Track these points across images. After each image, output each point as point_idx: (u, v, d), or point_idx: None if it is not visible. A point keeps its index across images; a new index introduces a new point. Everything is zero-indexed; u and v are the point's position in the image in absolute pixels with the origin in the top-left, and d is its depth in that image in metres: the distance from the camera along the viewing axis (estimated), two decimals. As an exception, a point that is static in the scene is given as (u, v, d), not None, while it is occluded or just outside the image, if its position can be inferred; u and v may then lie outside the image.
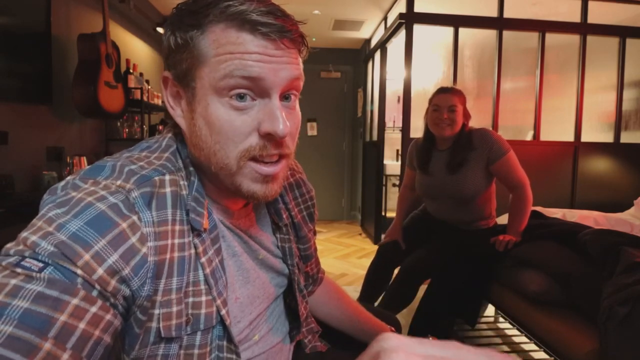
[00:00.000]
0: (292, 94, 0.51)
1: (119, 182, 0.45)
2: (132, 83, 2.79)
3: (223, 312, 0.51)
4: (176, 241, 0.48)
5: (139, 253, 0.43)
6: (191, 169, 0.53)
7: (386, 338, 0.22)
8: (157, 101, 3.23)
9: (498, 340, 1.91)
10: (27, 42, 1.95)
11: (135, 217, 0.44)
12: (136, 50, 3.30)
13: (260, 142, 0.49)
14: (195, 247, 0.50)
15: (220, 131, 0.48)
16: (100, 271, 0.40)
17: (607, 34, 3.02)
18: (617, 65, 3.06)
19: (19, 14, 1.91)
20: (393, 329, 0.87)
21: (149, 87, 3.11)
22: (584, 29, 2.97)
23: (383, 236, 1.95)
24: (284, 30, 0.46)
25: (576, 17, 3.00)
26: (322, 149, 4.95)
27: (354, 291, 2.35)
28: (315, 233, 0.79)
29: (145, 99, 2.87)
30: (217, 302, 0.51)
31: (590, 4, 2.99)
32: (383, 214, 3.81)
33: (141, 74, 3.04)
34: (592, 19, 2.99)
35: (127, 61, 2.81)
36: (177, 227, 0.48)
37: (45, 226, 0.40)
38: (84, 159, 2.14)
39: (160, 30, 3.51)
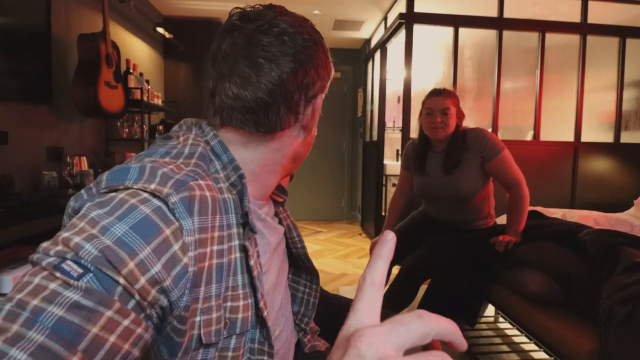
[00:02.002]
0: None
1: (153, 186, 0.43)
2: (132, 83, 2.79)
3: (265, 313, 0.52)
4: (215, 248, 0.47)
5: (180, 263, 0.42)
6: (241, 172, 0.52)
7: (365, 342, 0.22)
8: (157, 101, 3.23)
9: (498, 340, 1.91)
10: (27, 42, 1.95)
11: (177, 224, 0.43)
12: (136, 50, 3.30)
13: None
14: (246, 251, 0.51)
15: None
16: (142, 281, 0.39)
17: (607, 34, 3.02)
18: (617, 65, 3.06)
19: (19, 14, 1.91)
20: None
21: (149, 87, 3.10)
22: (584, 29, 2.97)
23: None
24: None
25: (576, 17, 3.00)
26: (322, 149, 4.95)
27: (354, 291, 2.35)
28: None
29: (145, 99, 2.87)
30: (260, 304, 0.52)
31: (590, 4, 2.99)
32: (383, 214, 3.81)
33: (141, 74, 3.04)
34: (592, 19, 2.99)
35: (127, 61, 2.81)
36: (217, 234, 0.47)
37: (89, 228, 0.39)
38: (84, 159, 2.14)
39: (160, 30, 3.51)
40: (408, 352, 0.22)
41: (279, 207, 0.70)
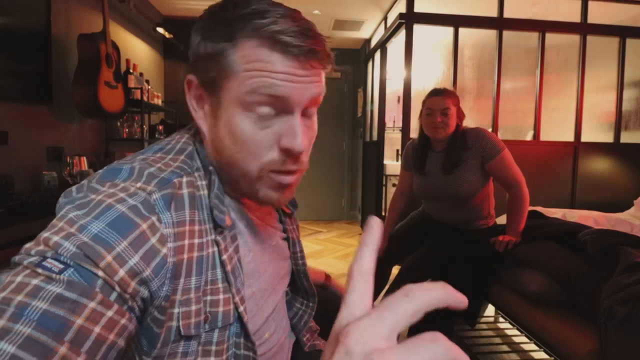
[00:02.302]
0: (312, 108, 0.53)
1: (139, 185, 0.45)
2: (132, 83, 2.79)
3: (241, 309, 0.52)
4: (195, 241, 0.48)
5: (159, 254, 0.44)
6: (211, 168, 0.54)
7: (352, 338, 0.21)
8: (157, 101, 3.23)
9: (498, 340, 1.91)
10: (27, 42, 1.95)
11: (154, 218, 0.44)
12: (136, 50, 3.30)
13: (280, 158, 0.51)
14: (217, 245, 0.51)
15: (243, 143, 0.50)
16: (121, 273, 0.40)
17: (607, 34, 3.02)
18: (617, 65, 3.06)
19: (19, 14, 1.91)
20: (328, 275, 1.01)
21: (149, 87, 3.10)
22: (584, 29, 2.97)
23: None
24: (313, 51, 0.48)
25: (576, 17, 3.00)
26: (322, 149, 4.95)
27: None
28: None
29: (145, 99, 2.87)
30: (236, 300, 0.52)
31: (590, 4, 2.99)
32: (383, 214, 3.81)
33: (141, 74, 3.04)
34: (592, 19, 2.99)
35: (127, 61, 2.81)
36: (196, 227, 0.49)
37: (67, 227, 0.40)
38: (84, 159, 2.14)
39: (160, 30, 3.51)
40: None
41: (287, 218, 0.70)
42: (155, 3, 3.57)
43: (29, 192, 1.96)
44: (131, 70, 2.82)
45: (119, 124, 2.86)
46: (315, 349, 0.77)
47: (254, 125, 0.49)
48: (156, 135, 3.25)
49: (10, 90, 1.86)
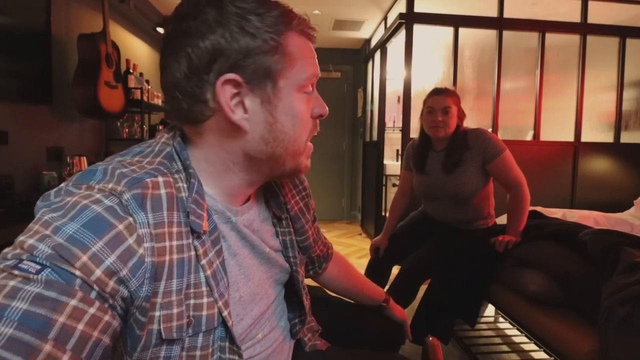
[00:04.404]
0: None
1: (110, 185, 0.45)
2: (132, 83, 2.79)
3: (225, 313, 0.51)
4: (174, 243, 0.48)
5: (136, 254, 0.43)
6: (191, 170, 0.53)
7: None
8: (157, 101, 3.23)
9: (498, 340, 1.91)
10: (27, 42, 1.95)
11: (130, 219, 0.44)
12: (136, 50, 3.30)
13: (313, 124, 0.60)
14: (196, 249, 0.50)
15: (302, 122, 0.56)
16: (98, 272, 0.40)
17: (607, 34, 3.02)
18: (617, 65, 3.07)
19: (19, 14, 1.91)
20: (388, 296, 1.01)
21: (149, 87, 3.10)
22: (584, 29, 2.97)
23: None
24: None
25: (576, 17, 3.00)
26: (322, 149, 4.95)
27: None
28: (315, 219, 0.81)
29: (145, 99, 2.87)
30: (219, 304, 0.51)
31: (590, 4, 2.99)
32: (383, 214, 3.81)
33: (141, 74, 3.04)
34: (592, 19, 2.99)
35: (127, 61, 2.81)
36: (175, 229, 0.48)
37: (42, 229, 0.40)
38: (84, 159, 2.14)
39: (160, 30, 3.51)
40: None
41: (281, 221, 0.69)
42: (155, 3, 3.57)
43: (29, 192, 1.96)
44: (131, 70, 2.82)
45: (119, 124, 2.86)
46: (316, 349, 0.77)
47: (306, 104, 0.57)
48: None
49: (10, 90, 1.86)
